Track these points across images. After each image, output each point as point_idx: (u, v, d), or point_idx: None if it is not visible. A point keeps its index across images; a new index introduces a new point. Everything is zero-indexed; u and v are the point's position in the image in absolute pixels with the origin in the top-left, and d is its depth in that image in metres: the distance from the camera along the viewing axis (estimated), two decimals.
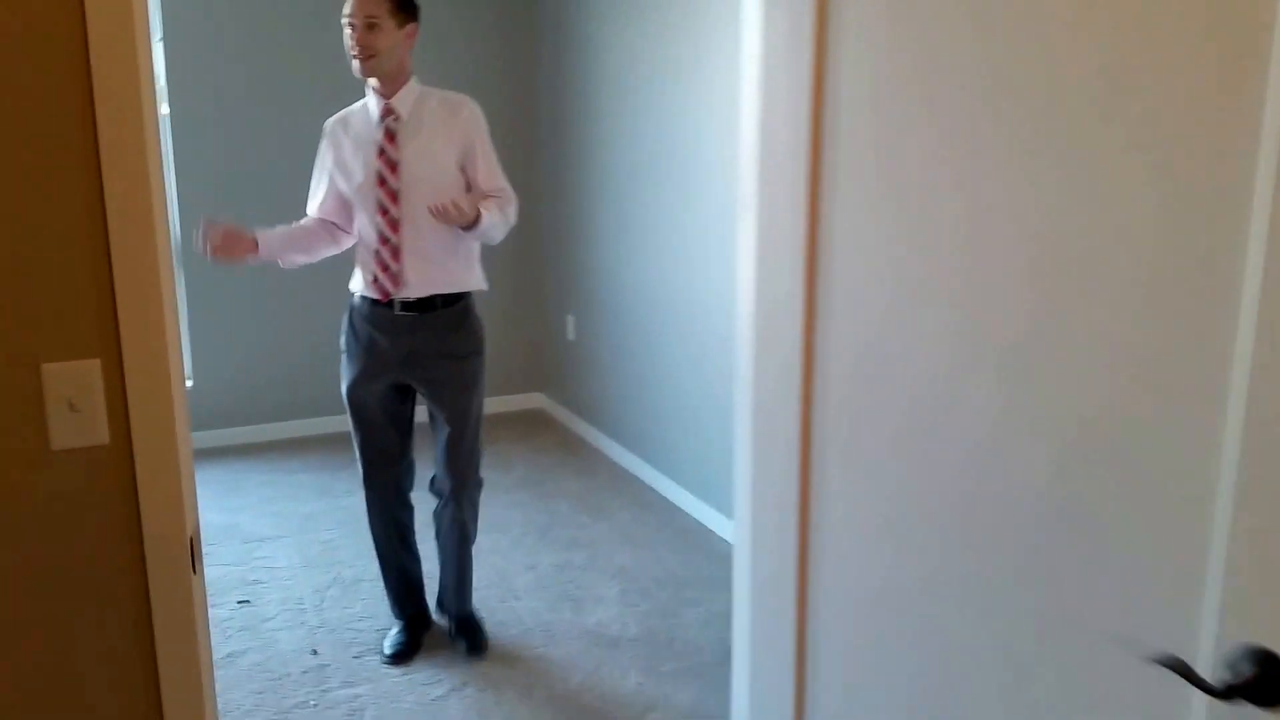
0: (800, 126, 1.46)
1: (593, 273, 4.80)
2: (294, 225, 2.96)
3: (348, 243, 2.97)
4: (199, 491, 3.88)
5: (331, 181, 2.90)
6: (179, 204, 4.71)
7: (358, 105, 2.87)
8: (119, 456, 1.36)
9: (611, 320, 4.66)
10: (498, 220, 2.75)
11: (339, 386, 2.96)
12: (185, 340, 4.89)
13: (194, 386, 4.90)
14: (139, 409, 1.35)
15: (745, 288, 1.64)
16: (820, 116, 1.44)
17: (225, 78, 4.69)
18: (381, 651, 3.07)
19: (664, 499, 4.24)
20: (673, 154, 3.98)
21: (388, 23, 2.67)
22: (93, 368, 1.32)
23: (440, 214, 2.61)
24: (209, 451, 4.85)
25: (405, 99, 2.78)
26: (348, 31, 2.69)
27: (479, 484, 3.07)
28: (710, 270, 3.78)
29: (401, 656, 3.03)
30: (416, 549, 3.17)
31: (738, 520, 1.74)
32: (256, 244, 2.81)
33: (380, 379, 2.90)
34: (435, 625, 3.20)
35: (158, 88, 4.67)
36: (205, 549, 3.56)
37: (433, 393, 2.93)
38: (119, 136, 1.28)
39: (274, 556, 3.72)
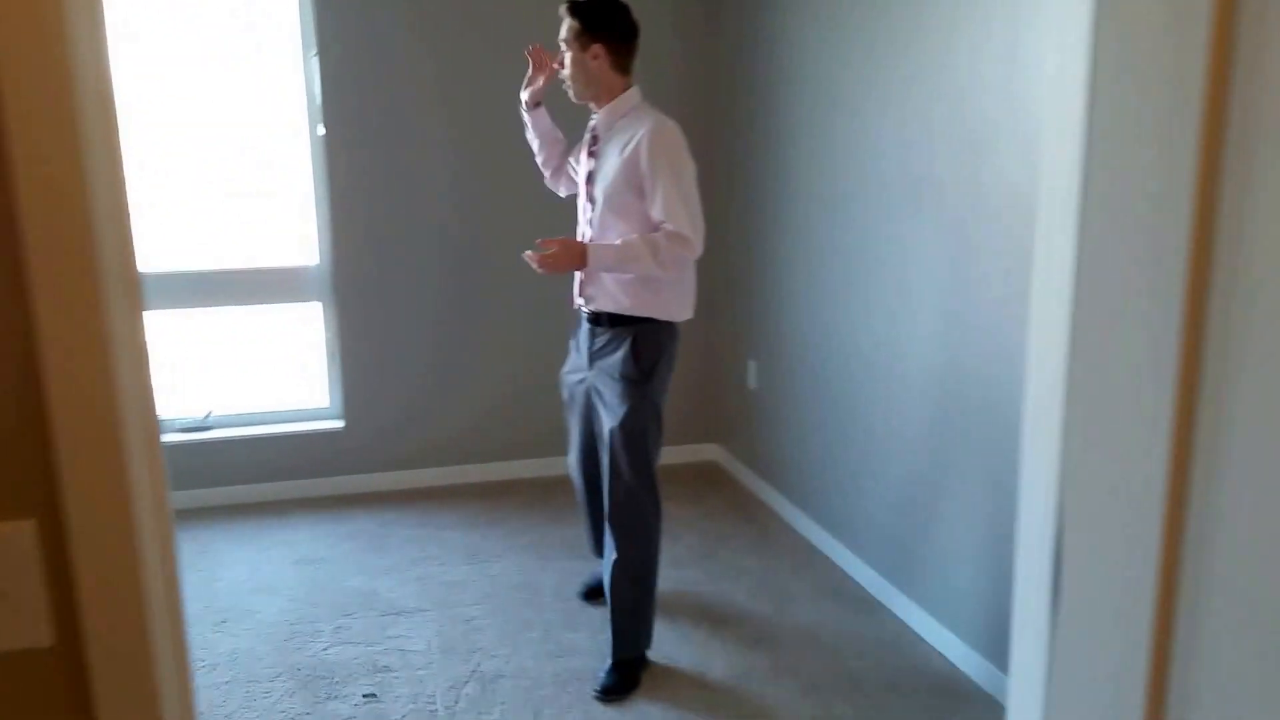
0: (1181, 156, 0.84)
1: (780, 312, 4.21)
2: (555, 137, 3.25)
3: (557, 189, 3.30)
4: (344, 547, 3.39)
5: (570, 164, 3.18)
6: (331, 227, 4.39)
7: None
8: (66, 664, 0.87)
9: (800, 369, 4.05)
10: (618, 259, 2.71)
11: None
12: (336, 376, 4.57)
13: (344, 428, 4.57)
14: (94, 592, 0.86)
15: (1046, 367, 1.01)
16: (1217, 143, 0.82)
17: (383, 94, 4.35)
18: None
19: (858, 587, 3.59)
20: (885, 178, 3.34)
21: (573, 46, 2.78)
22: (22, 533, 0.83)
23: (535, 260, 2.73)
24: (357, 498, 4.50)
25: (605, 116, 2.87)
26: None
27: (640, 519, 2.93)
28: (927, 318, 3.13)
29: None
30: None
31: (1020, 682, 1.11)
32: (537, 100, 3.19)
33: (573, 374, 3.08)
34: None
35: (314, 106, 4.47)
36: (339, 621, 3.15)
37: (594, 406, 2.98)
38: (44, 176, 0.78)
39: (410, 636, 3.27)
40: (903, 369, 3.29)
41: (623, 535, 2.92)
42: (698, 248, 2.74)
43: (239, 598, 3.56)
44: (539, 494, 4.56)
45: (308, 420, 4.63)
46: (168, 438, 4.42)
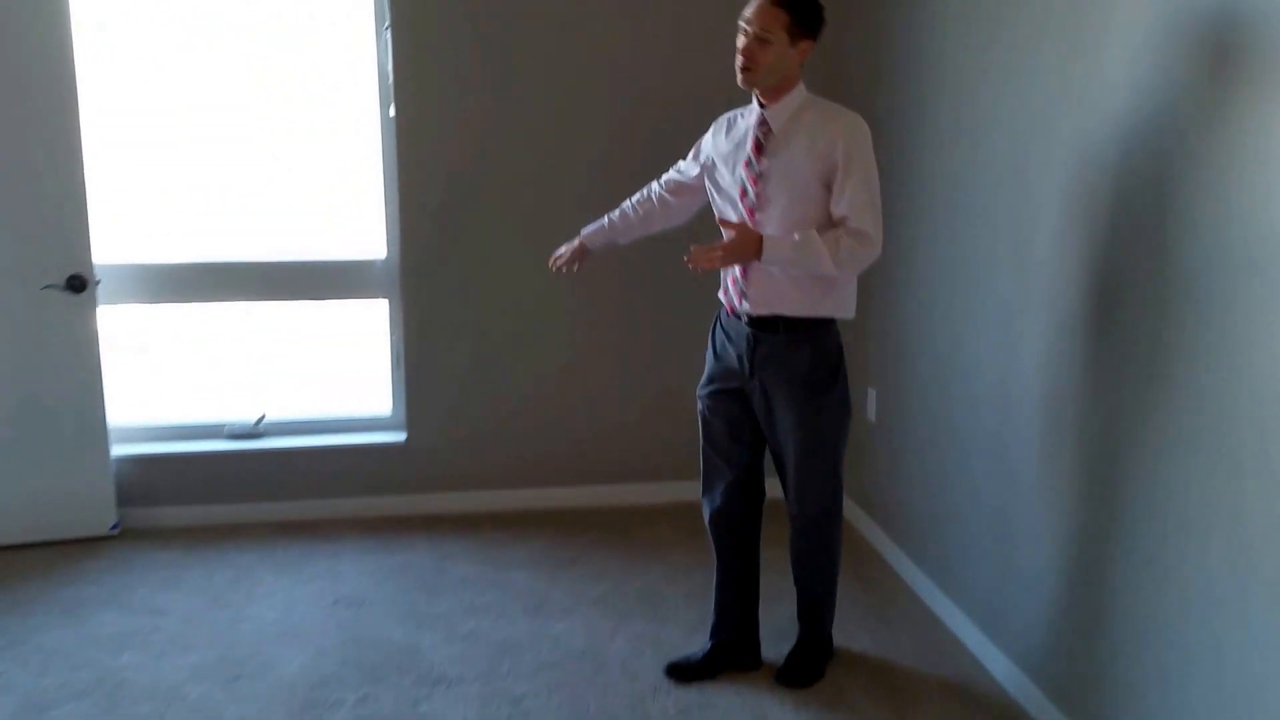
0: None
1: (905, 335, 3.52)
2: (617, 213, 3.10)
3: (673, 224, 3.09)
4: (391, 585, 3.36)
5: (691, 170, 2.94)
6: (401, 217, 3.87)
7: (748, 107, 2.73)
8: None
9: (930, 401, 3.35)
10: (795, 254, 2.54)
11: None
12: (400, 382, 4.07)
13: (406, 441, 4.07)
14: None
15: None
16: None
17: (461, 73, 3.80)
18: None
19: (997, 690, 2.89)
20: (1029, 190, 2.64)
21: (781, 38, 2.54)
22: None
23: (695, 260, 2.56)
24: (415, 521, 4.01)
25: (782, 110, 2.64)
26: (740, 38, 2.57)
27: (831, 516, 2.87)
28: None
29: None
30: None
31: None
32: (584, 251, 3.12)
33: (722, 386, 2.84)
34: None
35: (385, 85, 3.94)
36: (367, 689, 2.59)
37: (768, 416, 2.78)
38: None
39: (444, 716, 2.73)
40: (1057, 406, 2.59)
41: (809, 540, 2.88)
42: (877, 249, 2.59)
43: (262, 645, 3.07)
44: (618, 527, 3.98)
45: (367, 431, 4.14)
46: (216, 445, 3.98)
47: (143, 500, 3.88)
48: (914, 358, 3.49)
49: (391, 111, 3.80)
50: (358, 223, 4.02)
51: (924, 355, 3.41)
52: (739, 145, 2.72)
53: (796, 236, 2.55)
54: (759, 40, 2.54)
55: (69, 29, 3.39)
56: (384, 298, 4.05)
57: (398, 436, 4.09)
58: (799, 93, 2.65)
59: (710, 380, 2.87)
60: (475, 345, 4.03)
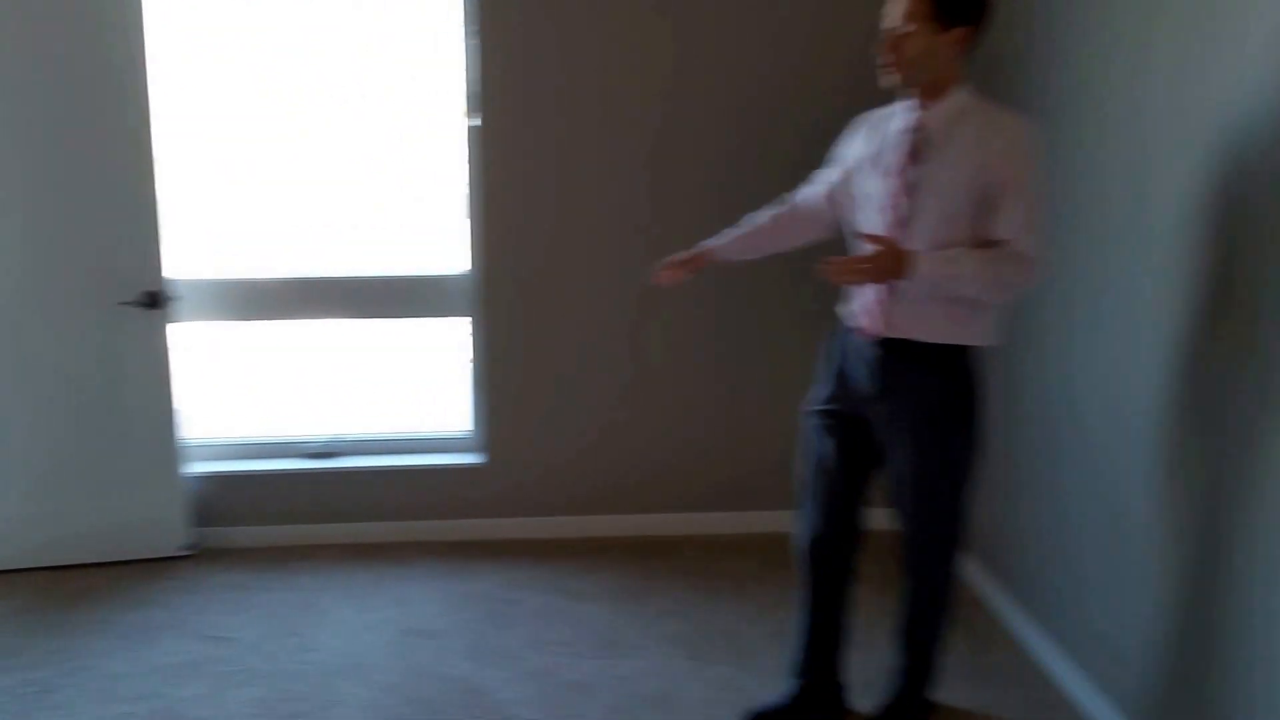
0: None
1: (1012, 359, 3.25)
2: (746, 229, 2.83)
3: (807, 240, 2.83)
4: (460, 616, 3.23)
5: (829, 180, 2.67)
6: (484, 230, 3.74)
7: (895, 109, 2.47)
8: None
9: (1051, 435, 3.08)
10: (948, 274, 2.28)
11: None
12: (481, 403, 3.94)
13: (485, 464, 3.93)
14: None
15: None
16: None
17: (550, 80, 3.65)
18: None
19: None
20: (1182, 209, 2.37)
21: (922, 27, 2.27)
22: None
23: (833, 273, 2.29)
24: (489, 547, 3.88)
25: (941, 113, 2.36)
26: (883, 29, 2.35)
27: (944, 564, 2.60)
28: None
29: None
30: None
31: None
32: (705, 261, 2.80)
33: (837, 405, 2.60)
34: None
35: (470, 94, 3.80)
36: None
37: (886, 446, 2.54)
38: None
39: None
40: (1174, 436, 2.30)
41: (921, 580, 2.63)
42: (1038, 274, 2.33)
43: (325, 680, 2.96)
44: (700, 560, 3.78)
45: (444, 452, 4.02)
46: (290, 464, 3.91)
47: (215, 519, 3.83)
48: (1021, 383, 3.22)
49: (475, 120, 3.67)
50: (439, 238, 3.91)
51: (1030, 380, 3.14)
52: (886, 150, 2.46)
53: (950, 255, 2.30)
54: (899, 31, 2.30)
55: (143, 41, 3.34)
56: (465, 315, 3.92)
57: (476, 458, 3.96)
58: (961, 93, 2.37)
59: (823, 399, 2.64)
60: (557, 364, 3.87)
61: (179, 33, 3.62)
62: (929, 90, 2.36)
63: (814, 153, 2.88)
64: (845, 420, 2.59)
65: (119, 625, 3.25)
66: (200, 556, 3.74)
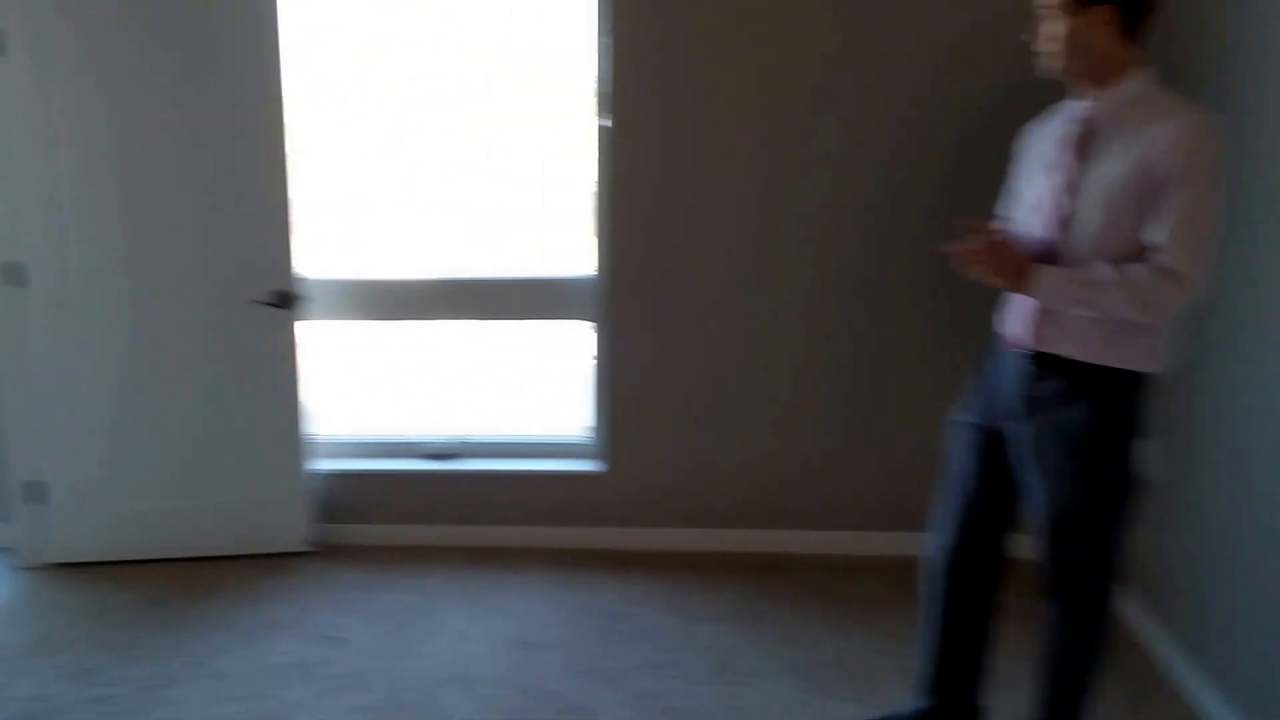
0: None
1: (1197, 377, 2.95)
2: None
3: None
4: (571, 629, 3.15)
5: (1009, 202, 2.47)
6: (611, 233, 3.64)
7: (1066, 104, 2.30)
8: None
9: (1207, 456, 2.78)
10: (1080, 293, 2.10)
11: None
12: (604, 410, 3.85)
13: (606, 472, 3.85)
14: None
15: None
16: None
17: (684, 81, 3.51)
18: None
19: None
20: None
21: (1060, 8, 2.13)
22: None
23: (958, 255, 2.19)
24: (606, 556, 3.80)
25: (1111, 103, 2.16)
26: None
27: (1090, 608, 2.32)
28: None
29: None
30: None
31: None
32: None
33: (982, 419, 2.41)
34: None
35: (602, 94, 3.71)
36: None
37: (1029, 472, 2.31)
38: None
39: None
40: None
41: (1063, 625, 2.36)
42: (1193, 294, 2.07)
43: (430, 688, 2.92)
44: (824, 580, 3.60)
45: (566, 458, 3.95)
46: (413, 464, 3.91)
47: (337, 517, 3.86)
48: (1202, 402, 2.92)
49: (605, 121, 3.58)
50: (567, 240, 3.84)
51: (1208, 397, 2.84)
52: (1049, 144, 2.29)
53: (1078, 276, 2.11)
54: (1042, 16, 2.18)
55: (277, 41, 3.37)
56: (590, 320, 3.83)
57: (598, 466, 3.88)
58: (1137, 79, 2.16)
59: (970, 410, 2.47)
60: (681, 372, 3.75)
61: (314, 34, 3.66)
62: (1097, 78, 2.17)
63: (975, 161, 2.66)
64: (990, 436, 2.40)
65: (236, 620, 3.30)
66: (321, 553, 3.78)
